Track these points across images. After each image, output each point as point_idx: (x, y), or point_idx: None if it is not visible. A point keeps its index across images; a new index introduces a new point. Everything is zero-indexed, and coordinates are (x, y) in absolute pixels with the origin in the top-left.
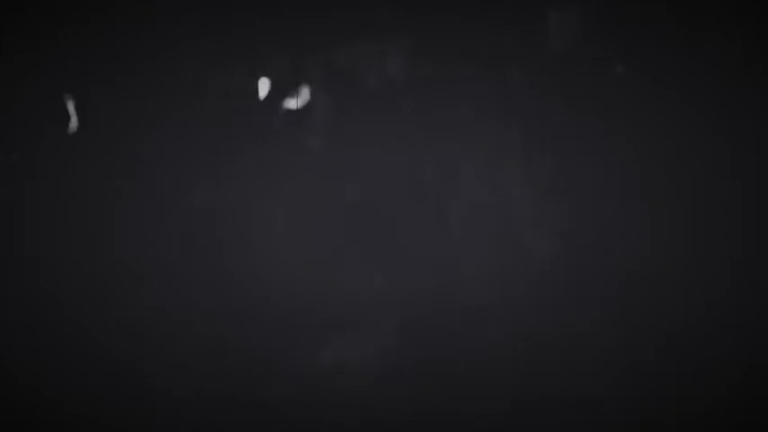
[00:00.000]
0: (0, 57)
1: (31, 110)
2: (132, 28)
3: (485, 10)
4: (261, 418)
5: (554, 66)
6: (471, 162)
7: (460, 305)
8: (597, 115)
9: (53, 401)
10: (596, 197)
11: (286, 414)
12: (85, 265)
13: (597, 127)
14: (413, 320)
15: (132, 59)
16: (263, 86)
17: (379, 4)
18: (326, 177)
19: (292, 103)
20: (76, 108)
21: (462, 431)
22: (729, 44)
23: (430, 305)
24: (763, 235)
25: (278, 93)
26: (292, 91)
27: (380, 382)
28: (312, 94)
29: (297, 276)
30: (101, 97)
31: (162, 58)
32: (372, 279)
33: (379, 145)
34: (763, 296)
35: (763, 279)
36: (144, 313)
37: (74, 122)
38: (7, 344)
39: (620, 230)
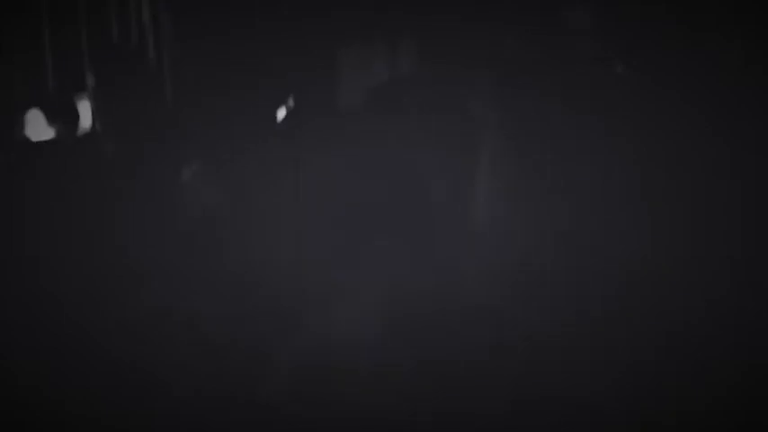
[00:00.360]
0: (0, 57)
1: (31, 110)
2: (132, 28)
3: (485, 10)
4: (261, 418)
5: (554, 66)
6: (471, 162)
7: (460, 305)
8: (597, 115)
9: (53, 401)
10: (596, 197)
11: (286, 414)
12: (85, 265)
13: (597, 127)
14: (413, 320)
15: (134, 59)
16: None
17: (380, 5)
18: (326, 177)
19: (293, 103)
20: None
21: (462, 431)
22: (729, 44)
23: (430, 305)
24: (763, 235)
25: (279, 92)
26: (293, 91)
27: (380, 382)
28: (313, 93)
29: (297, 276)
30: (101, 97)
31: (162, 58)
32: (372, 279)
33: (379, 145)
34: (763, 296)
35: (763, 279)
36: (144, 313)
37: (82, 122)
38: (7, 344)
39: (620, 230)
